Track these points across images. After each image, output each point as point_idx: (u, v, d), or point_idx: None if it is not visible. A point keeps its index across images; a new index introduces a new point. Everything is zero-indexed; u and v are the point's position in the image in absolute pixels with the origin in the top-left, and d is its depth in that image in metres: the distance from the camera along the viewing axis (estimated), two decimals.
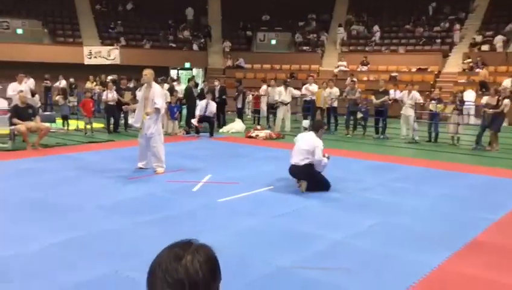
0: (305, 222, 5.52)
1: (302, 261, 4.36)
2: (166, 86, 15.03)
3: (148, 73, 8.25)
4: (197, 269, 1.18)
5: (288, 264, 4.27)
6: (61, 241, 4.78)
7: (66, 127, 13.75)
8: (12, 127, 10.47)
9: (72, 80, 19.18)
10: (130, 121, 14.28)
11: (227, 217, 5.71)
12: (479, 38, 22.63)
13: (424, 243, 4.90)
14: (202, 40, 26.89)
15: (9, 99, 12.13)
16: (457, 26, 23.68)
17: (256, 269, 4.20)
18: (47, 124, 11.39)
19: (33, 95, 13.46)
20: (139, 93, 8.47)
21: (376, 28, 25.48)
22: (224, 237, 4.94)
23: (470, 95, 16.47)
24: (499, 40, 21.78)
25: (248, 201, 6.50)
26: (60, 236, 4.91)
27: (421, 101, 13.86)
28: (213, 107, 13.36)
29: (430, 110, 13.16)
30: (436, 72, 22.12)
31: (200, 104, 13.42)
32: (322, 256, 4.52)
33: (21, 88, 11.59)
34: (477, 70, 20.67)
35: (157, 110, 8.11)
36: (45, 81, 19.68)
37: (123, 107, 10.60)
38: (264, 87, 17.17)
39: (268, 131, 13.63)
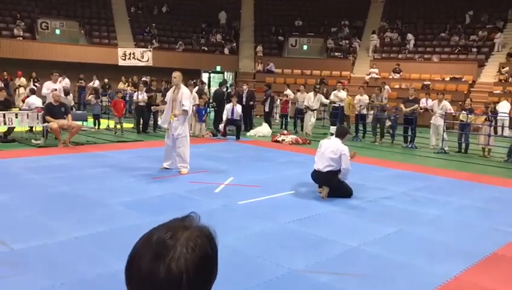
0: (322, 228, 5.52)
1: (315, 265, 4.37)
2: (195, 88, 15.22)
3: (177, 75, 8.40)
4: (181, 270, 0.95)
5: (301, 268, 4.29)
6: (85, 235, 4.95)
7: (96, 126, 14.11)
8: (45, 124, 10.82)
9: (106, 80, 19.66)
10: (159, 122, 14.58)
11: (245, 219, 5.76)
12: None
13: (441, 253, 4.83)
14: (234, 44, 27.13)
15: (44, 98, 12.54)
16: (499, 34, 23.14)
17: (269, 271, 4.23)
18: (78, 123, 11.72)
19: (67, 94, 13.88)
20: (168, 95, 8.63)
21: (410, 35, 25.15)
22: (240, 238, 5.00)
23: (504, 106, 16.08)
24: None
25: (268, 205, 6.54)
26: (84, 230, 5.08)
27: (452, 110, 13.61)
28: (239, 110, 13.47)
29: (461, 121, 12.90)
30: (470, 82, 21.66)
31: (226, 108, 13.55)
32: (336, 261, 4.52)
33: (55, 87, 11.95)
34: None
35: (185, 112, 8.25)
36: (80, 81, 20.23)
37: (152, 108, 10.80)
38: (288, 91, 17.23)
39: (294, 136, 13.64)
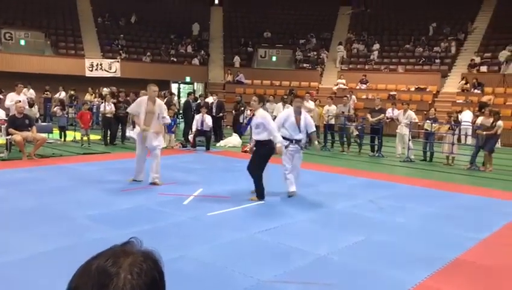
0: (290, 237, 5.56)
1: (284, 275, 4.40)
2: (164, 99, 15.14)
3: (156, 89, 8.36)
4: None
5: (270, 278, 4.31)
6: (49, 250, 4.84)
7: (63, 138, 13.84)
8: (9, 137, 10.56)
9: (72, 91, 19.34)
10: (128, 133, 14.41)
11: (214, 230, 5.75)
12: (477, 60, 22.83)
13: (406, 260, 4.93)
14: (204, 54, 27.16)
15: (7, 110, 12.24)
16: (453, 43, 24.11)
17: (237, 282, 4.23)
18: (43, 135, 11.48)
19: (31, 106, 13.58)
20: (140, 107, 8.33)
21: (375, 46, 25.72)
22: (208, 250, 4.98)
23: (467, 115, 16.57)
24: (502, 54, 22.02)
25: (237, 215, 6.55)
26: (49, 245, 4.97)
27: (417, 120, 13.94)
28: (209, 121, 13.45)
29: (426, 130, 13.23)
30: (434, 92, 22.27)
31: (196, 119, 13.52)
32: (304, 271, 4.55)
33: (19, 98, 11.70)
34: (475, 90, 20.84)
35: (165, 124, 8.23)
36: (45, 92, 19.84)
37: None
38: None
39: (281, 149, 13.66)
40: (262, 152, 7.40)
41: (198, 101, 15.55)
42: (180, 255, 4.75)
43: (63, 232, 5.41)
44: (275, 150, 7.39)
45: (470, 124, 15.17)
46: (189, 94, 16.70)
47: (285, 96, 16.68)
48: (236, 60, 26.63)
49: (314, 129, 8.14)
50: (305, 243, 5.37)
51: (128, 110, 8.51)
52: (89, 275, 0.92)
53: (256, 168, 7.43)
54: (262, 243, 5.32)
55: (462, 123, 14.63)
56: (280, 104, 15.26)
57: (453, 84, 22.58)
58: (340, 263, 4.81)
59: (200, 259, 4.72)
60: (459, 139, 13.69)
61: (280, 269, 4.55)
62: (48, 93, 19.93)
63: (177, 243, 5.16)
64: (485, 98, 19.40)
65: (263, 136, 7.34)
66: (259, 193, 7.40)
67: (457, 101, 20.50)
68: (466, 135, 15.95)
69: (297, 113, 7.91)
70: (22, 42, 23.04)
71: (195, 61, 26.44)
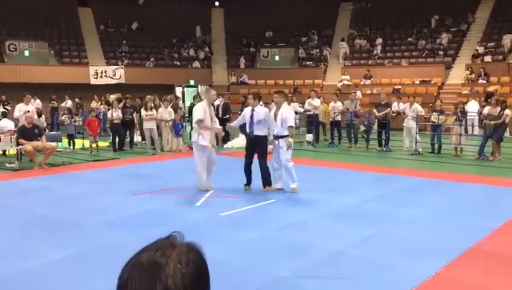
0: (304, 234, 5.60)
1: (300, 271, 4.44)
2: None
3: (215, 92, 8.70)
4: (179, 286, 0.93)
5: (286, 275, 4.35)
6: (65, 256, 4.90)
7: (71, 146, 13.95)
8: (19, 147, 10.66)
9: (77, 99, 19.47)
10: (136, 139, 14.50)
11: (228, 230, 5.79)
12: (481, 50, 22.75)
13: (421, 251, 4.95)
14: (209, 54, 27.26)
15: (16, 120, 12.35)
16: (444, 34, 24.33)
17: (254, 279, 4.27)
18: (53, 144, 11.58)
19: (39, 115, 13.70)
20: (204, 113, 8.01)
21: (378, 41, 25.69)
22: (224, 249, 5.03)
23: (473, 106, 16.55)
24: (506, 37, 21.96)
25: (249, 214, 6.59)
26: (64, 251, 5.03)
27: (423, 113, 13.93)
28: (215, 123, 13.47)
29: (432, 122, 13.22)
30: (439, 84, 22.20)
31: None
32: (320, 266, 4.59)
33: (27, 109, 11.80)
34: (481, 81, 20.78)
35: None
36: (52, 102, 19.98)
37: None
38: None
39: (271, 146, 13.70)
40: (265, 144, 8.15)
41: None
42: None
43: (79, 239, 5.48)
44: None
45: (477, 115, 15.15)
46: (194, 97, 16.75)
47: (290, 95, 16.68)
48: (242, 61, 26.71)
49: (290, 124, 7.90)
50: (320, 238, 5.41)
51: (199, 116, 7.88)
52: (140, 266, 0.95)
53: (265, 160, 7.97)
54: (277, 241, 5.36)
55: (469, 114, 14.61)
56: (285, 103, 15.26)
57: (457, 75, 22.50)
58: (356, 256, 4.84)
59: (216, 258, 4.75)
60: (466, 130, 13.68)
61: (296, 265, 4.59)
62: (54, 102, 20.07)
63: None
64: (491, 88, 19.34)
65: (265, 132, 8.12)
66: (270, 180, 8.04)
67: (463, 92, 20.44)
68: (473, 126, 15.93)
69: (278, 109, 8.13)
70: (26, 53, 23.21)
71: (196, 64, 26.50)
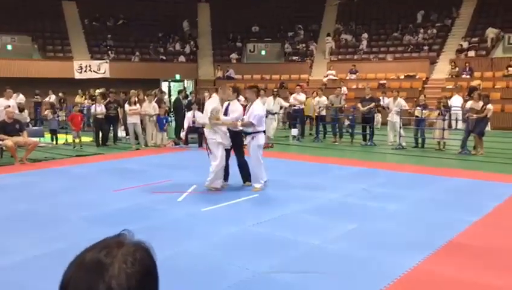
0: (284, 229, 5.60)
1: (279, 266, 4.44)
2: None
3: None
4: (123, 287, 0.89)
5: (265, 269, 4.35)
6: (45, 252, 4.84)
7: (54, 142, 13.80)
8: (0, 142, 10.51)
9: (60, 94, 19.24)
10: (120, 133, 14.39)
11: (209, 225, 5.78)
12: (465, 45, 22.94)
13: (400, 245, 4.99)
14: (194, 49, 27.11)
15: None
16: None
17: (233, 274, 4.26)
18: (35, 139, 11.44)
19: (21, 110, 13.52)
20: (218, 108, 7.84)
21: (364, 36, 25.77)
22: (204, 244, 5.02)
23: (456, 101, 16.69)
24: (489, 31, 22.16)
25: (231, 210, 6.58)
26: (44, 248, 4.97)
27: (407, 107, 14.03)
28: (200, 118, 13.42)
29: (416, 116, 13.32)
30: (424, 79, 22.37)
31: (187, 116, 13.50)
32: (299, 261, 4.60)
33: (8, 103, 11.64)
34: (464, 76, 20.97)
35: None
36: (35, 96, 19.73)
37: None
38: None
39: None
40: (240, 139, 8.13)
41: (189, 98, 15.52)
42: (176, 251, 4.77)
43: (58, 234, 5.42)
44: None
45: (460, 109, 15.29)
46: (179, 92, 16.64)
47: (275, 90, 16.68)
48: (233, 56, 26.65)
49: (250, 120, 7.67)
50: (299, 233, 5.42)
51: (213, 111, 7.63)
52: (83, 266, 0.92)
53: (242, 155, 8.08)
54: (257, 236, 5.36)
55: (452, 108, 14.73)
56: (271, 98, 15.28)
57: (442, 70, 22.68)
58: (334, 251, 4.86)
59: (196, 254, 4.75)
60: (449, 125, 13.80)
61: (275, 260, 4.59)
62: (38, 97, 19.82)
63: (173, 239, 5.18)
64: (474, 83, 19.52)
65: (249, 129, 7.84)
66: (249, 174, 7.99)
67: (447, 87, 20.61)
68: (457, 120, 16.08)
69: (250, 105, 7.99)
70: (9, 47, 22.86)
71: (182, 58, 26.36)
